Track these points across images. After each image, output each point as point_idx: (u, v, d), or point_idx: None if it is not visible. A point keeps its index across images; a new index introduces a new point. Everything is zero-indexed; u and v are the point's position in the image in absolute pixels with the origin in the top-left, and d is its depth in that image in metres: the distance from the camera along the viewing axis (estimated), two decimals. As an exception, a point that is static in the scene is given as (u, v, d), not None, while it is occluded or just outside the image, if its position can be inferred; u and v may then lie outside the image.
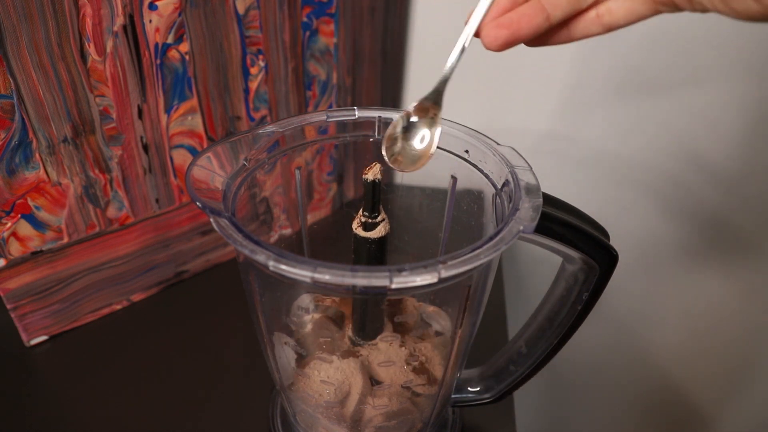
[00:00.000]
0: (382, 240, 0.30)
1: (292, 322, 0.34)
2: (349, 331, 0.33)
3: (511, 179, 0.28)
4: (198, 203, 0.25)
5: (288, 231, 0.54)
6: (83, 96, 0.38)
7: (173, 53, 0.41)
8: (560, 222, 0.28)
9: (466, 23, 0.26)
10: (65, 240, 0.42)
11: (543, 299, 0.34)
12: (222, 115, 0.46)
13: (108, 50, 0.37)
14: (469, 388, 0.37)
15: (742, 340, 0.66)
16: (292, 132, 0.32)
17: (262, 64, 0.46)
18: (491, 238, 0.24)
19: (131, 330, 0.46)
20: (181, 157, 0.45)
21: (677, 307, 0.66)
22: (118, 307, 0.48)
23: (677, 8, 0.23)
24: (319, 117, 0.33)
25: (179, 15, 0.40)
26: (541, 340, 0.34)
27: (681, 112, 0.53)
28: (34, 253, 0.41)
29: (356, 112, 0.33)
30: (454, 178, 0.34)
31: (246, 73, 0.45)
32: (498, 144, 0.31)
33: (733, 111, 0.52)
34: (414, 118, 0.29)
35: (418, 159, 0.28)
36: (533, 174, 0.28)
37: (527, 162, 0.29)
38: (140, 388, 0.42)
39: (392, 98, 0.61)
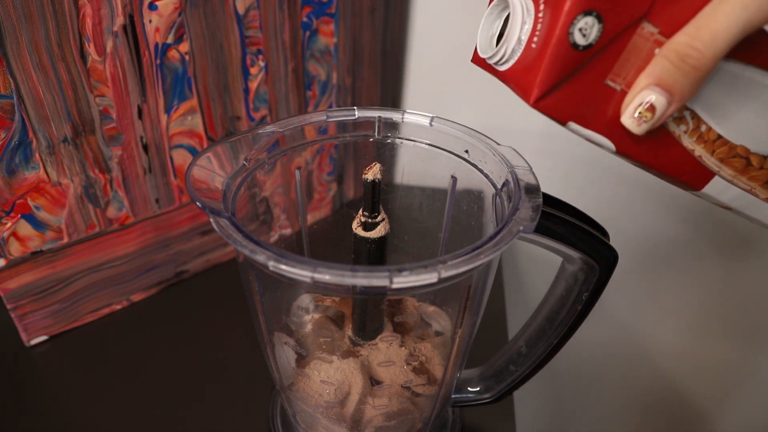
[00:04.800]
0: (382, 240, 0.31)
1: (292, 322, 0.34)
2: (349, 331, 0.33)
3: (511, 179, 0.28)
4: (198, 203, 0.25)
5: (288, 231, 0.54)
6: (83, 96, 0.38)
7: (173, 53, 0.41)
8: (560, 222, 0.28)
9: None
10: (65, 240, 0.42)
11: (543, 299, 0.34)
12: (222, 115, 0.46)
13: (108, 50, 0.37)
14: (469, 388, 0.37)
15: (742, 338, 0.66)
16: (292, 132, 0.32)
17: (262, 64, 0.46)
18: (491, 238, 0.24)
19: (131, 330, 0.46)
20: (181, 157, 0.45)
21: (677, 307, 0.66)
22: (118, 307, 0.48)
23: None
24: (319, 117, 0.33)
25: (179, 15, 0.40)
26: (541, 340, 0.34)
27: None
28: (34, 253, 0.41)
29: (356, 112, 0.33)
30: (454, 178, 0.34)
31: (246, 73, 0.45)
32: (498, 144, 0.31)
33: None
34: None
35: None
36: (533, 174, 0.28)
37: (527, 162, 0.30)
38: (140, 388, 0.42)
39: (392, 98, 0.61)
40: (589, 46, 0.22)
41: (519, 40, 0.23)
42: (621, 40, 0.22)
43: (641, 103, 0.22)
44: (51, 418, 0.39)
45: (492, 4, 0.26)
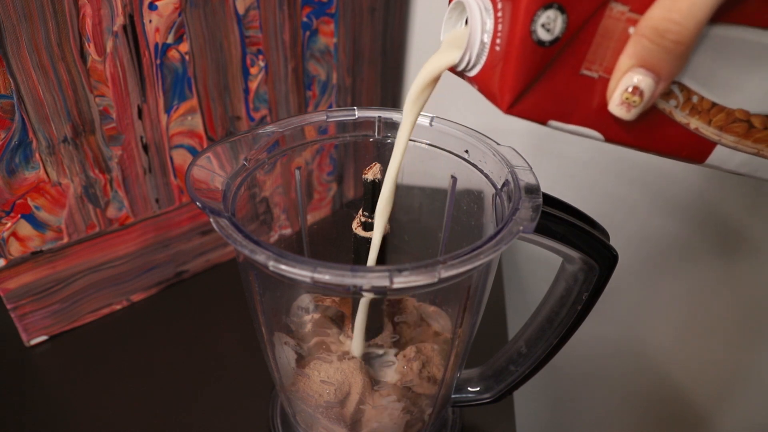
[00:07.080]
0: (382, 240, 0.30)
1: (292, 322, 0.34)
2: (349, 331, 0.33)
3: (511, 179, 0.28)
4: (198, 203, 0.25)
5: (288, 231, 0.54)
6: (83, 96, 0.38)
7: (173, 53, 0.41)
8: (560, 222, 0.28)
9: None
10: (65, 240, 0.42)
11: (543, 299, 0.34)
12: (222, 115, 0.46)
13: (108, 50, 0.37)
14: (469, 388, 0.37)
15: (742, 338, 0.66)
16: (292, 132, 0.32)
17: (262, 64, 0.46)
18: (491, 238, 0.24)
19: (131, 330, 0.46)
20: (181, 157, 0.45)
21: (677, 306, 0.66)
22: (118, 307, 0.48)
23: None
24: (319, 117, 0.33)
25: (179, 15, 0.40)
26: (541, 340, 0.34)
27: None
28: (34, 253, 0.41)
29: (356, 112, 0.33)
30: (454, 178, 0.34)
31: (246, 73, 0.45)
32: (498, 144, 0.31)
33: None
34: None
35: None
36: (533, 174, 0.28)
37: (527, 162, 0.30)
38: (140, 388, 0.42)
39: (392, 98, 0.61)
40: (555, 41, 0.20)
41: (482, 42, 0.22)
42: (590, 27, 0.20)
43: (626, 88, 0.21)
44: (51, 418, 0.39)
45: (449, 7, 0.24)
